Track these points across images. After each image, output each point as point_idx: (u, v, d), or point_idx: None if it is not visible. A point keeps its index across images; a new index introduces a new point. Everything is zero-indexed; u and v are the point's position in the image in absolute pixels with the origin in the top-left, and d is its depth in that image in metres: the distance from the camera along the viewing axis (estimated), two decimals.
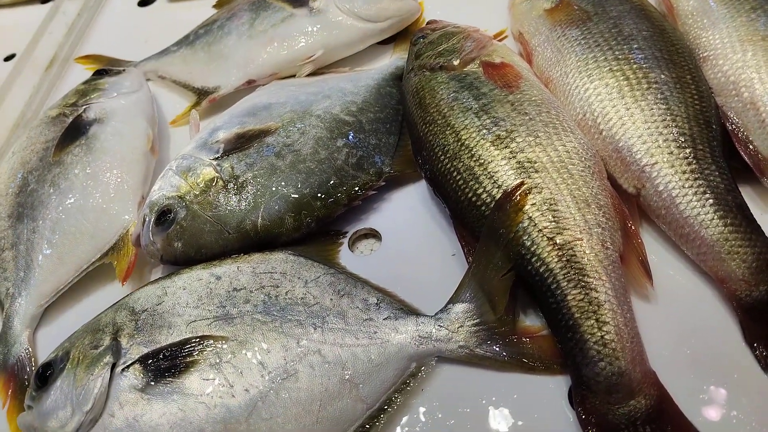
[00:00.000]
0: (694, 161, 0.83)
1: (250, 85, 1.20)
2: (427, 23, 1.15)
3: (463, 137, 0.88)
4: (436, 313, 0.80)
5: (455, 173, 0.87)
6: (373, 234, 0.98)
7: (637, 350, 0.72)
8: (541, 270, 0.77)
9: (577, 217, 0.79)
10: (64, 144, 1.06)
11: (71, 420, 0.73)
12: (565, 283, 0.75)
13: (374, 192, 0.98)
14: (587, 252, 0.77)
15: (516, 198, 0.80)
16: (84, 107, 1.12)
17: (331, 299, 0.82)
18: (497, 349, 0.77)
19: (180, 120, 1.21)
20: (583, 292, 0.74)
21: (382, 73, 1.13)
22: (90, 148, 1.05)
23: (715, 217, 0.79)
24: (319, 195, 0.94)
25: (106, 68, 1.23)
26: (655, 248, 0.85)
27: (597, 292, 0.74)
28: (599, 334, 0.72)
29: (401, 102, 1.06)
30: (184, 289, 0.84)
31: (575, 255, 0.76)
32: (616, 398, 0.70)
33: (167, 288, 0.84)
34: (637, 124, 0.87)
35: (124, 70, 1.22)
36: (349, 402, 0.74)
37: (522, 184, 0.81)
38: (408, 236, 0.96)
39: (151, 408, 0.73)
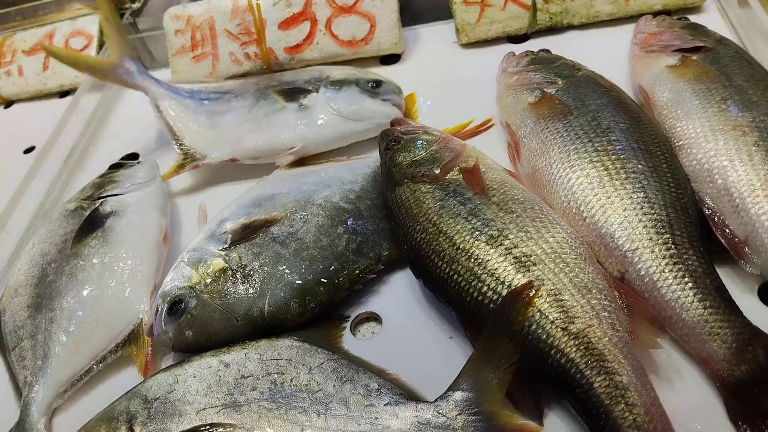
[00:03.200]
0: (673, 246, 0.89)
1: (232, 163, 1.28)
2: (394, 122, 1.21)
3: (457, 241, 0.92)
4: (436, 400, 0.83)
5: (456, 276, 0.90)
6: (374, 317, 1.03)
7: (668, 428, 0.75)
8: (562, 361, 0.80)
9: (584, 303, 0.83)
10: (81, 236, 1.12)
11: None
12: (589, 372, 0.78)
13: (374, 276, 1.04)
14: (601, 337, 0.80)
15: (527, 297, 0.83)
16: (100, 200, 1.19)
17: (334, 385, 0.86)
18: None
19: (168, 176, 1.28)
20: (608, 378, 0.77)
21: (378, 162, 1.20)
22: (106, 239, 1.11)
23: (695, 300, 0.84)
24: (322, 280, 0.99)
25: (121, 161, 1.31)
26: None
27: (620, 375, 0.77)
28: (631, 417, 0.75)
29: (385, 210, 1.08)
30: (195, 377, 0.88)
31: (591, 342, 0.80)
32: None
33: (178, 376, 0.89)
34: (618, 212, 0.93)
35: (138, 163, 1.30)
36: None
37: (530, 283, 0.84)
38: (407, 318, 1.01)
39: None
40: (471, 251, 0.90)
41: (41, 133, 1.54)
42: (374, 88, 1.31)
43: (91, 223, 1.14)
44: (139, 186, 1.22)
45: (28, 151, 1.59)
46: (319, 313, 0.99)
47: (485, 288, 0.88)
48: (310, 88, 1.32)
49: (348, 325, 1.01)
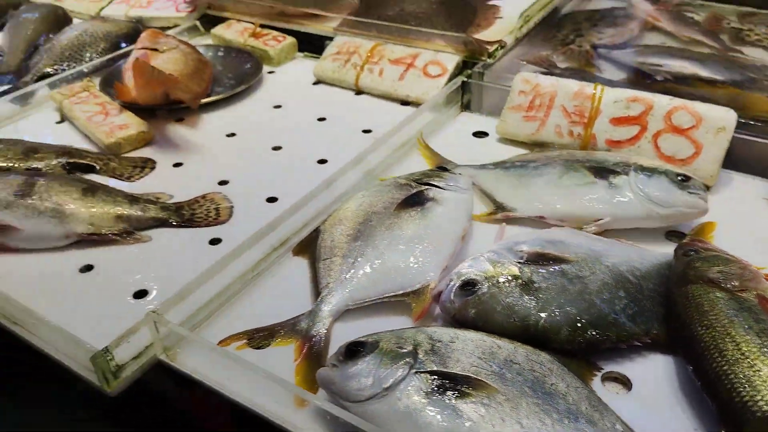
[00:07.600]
0: None
1: (539, 219, 1.46)
2: (693, 240, 1.30)
3: (743, 349, 0.98)
4: None
5: (732, 376, 0.96)
6: (623, 381, 1.10)
7: None
8: None
9: None
10: (405, 205, 1.36)
11: (370, 388, 0.93)
12: None
13: (638, 344, 1.12)
14: None
15: None
16: (426, 187, 1.42)
17: (586, 408, 0.95)
18: None
19: (483, 219, 1.49)
20: None
21: (666, 258, 1.28)
22: (423, 215, 1.33)
23: None
24: (595, 324, 1.10)
25: (447, 167, 1.55)
26: None
27: None
28: None
29: (667, 300, 1.17)
30: (472, 341, 1.03)
31: None
32: None
33: (459, 335, 1.04)
34: None
35: (460, 174, 1.52)
36: None
37: None
38: (656, 397, 1.06)
39: (427, 409, 0.91)
40: (755, 362, 0.96)
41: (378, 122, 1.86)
42: (683, 181, 1.40)
43: (416, 198, 1.37)
44: (459, 190, 1.43)
45: (365, 131, 1.92)
46: (583, 349, 1.09)
47: (758, 397, 0.92)
48: (619, 170, 1.46)
49: (599, 375, 1.09)
